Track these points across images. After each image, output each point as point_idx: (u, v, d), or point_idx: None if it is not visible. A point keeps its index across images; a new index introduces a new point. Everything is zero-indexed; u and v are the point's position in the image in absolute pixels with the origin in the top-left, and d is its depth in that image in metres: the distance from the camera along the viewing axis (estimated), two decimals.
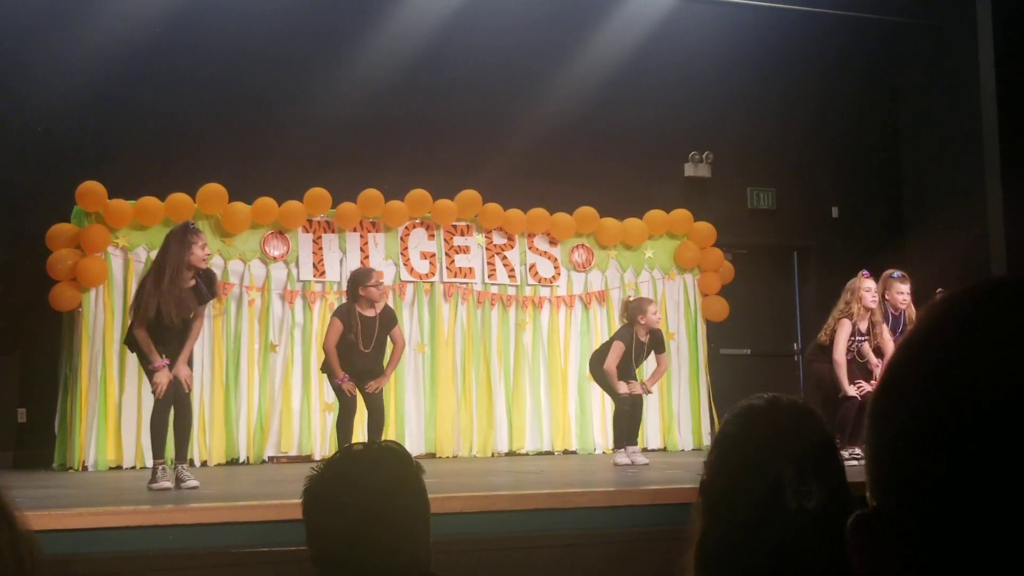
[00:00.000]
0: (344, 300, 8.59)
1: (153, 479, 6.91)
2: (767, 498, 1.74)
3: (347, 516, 2.05)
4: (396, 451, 2.19)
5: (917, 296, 9.23)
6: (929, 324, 0.74)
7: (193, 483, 6.88)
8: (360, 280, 8.21)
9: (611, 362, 8.78)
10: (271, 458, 9.97)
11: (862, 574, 0.71)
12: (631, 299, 9.40)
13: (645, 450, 9.98)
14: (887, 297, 8.55)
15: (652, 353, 9.02)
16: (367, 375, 8.10)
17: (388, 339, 8.30)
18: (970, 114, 11.77)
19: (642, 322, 8.80)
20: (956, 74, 12.26)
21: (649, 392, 9.11)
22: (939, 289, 10.54)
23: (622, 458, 8.60)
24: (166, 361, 7.00)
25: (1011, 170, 11.34)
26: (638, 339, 8.83)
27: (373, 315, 8.13)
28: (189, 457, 9.03)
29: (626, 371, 8.85)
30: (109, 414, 9.49)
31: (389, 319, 8.27)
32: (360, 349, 8.07)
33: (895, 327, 8.53)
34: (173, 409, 7.06)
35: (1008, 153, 11.38)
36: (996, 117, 11.42)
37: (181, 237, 7.13)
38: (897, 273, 8.64)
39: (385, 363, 8.30)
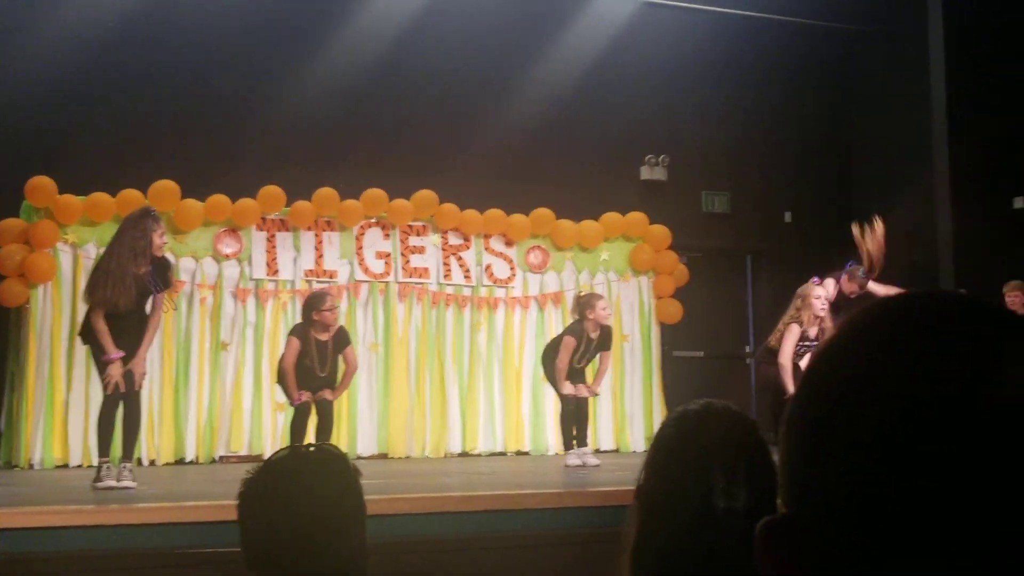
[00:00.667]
0: (299, 319, 8.61)
1: (98, 478, 6.82)
2: (699, 500, 1.75)
3: (282, 518, 2.04)
4: (332, 453, 2.18)
5: (867, 302, 9.30)
6: (845, 335, 0.74)
7: (129, 484, 6.75)
8: (315, 305, 8.17)
9: (562, 359, 8.78)
10: (222, 457, 9.90)
11: None
12: (582, 294, 9.43)
13: (598, 451, 10.02)
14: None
15: (599, 352, 9.01)
16: (319, 390, 8.14)
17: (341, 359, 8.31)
18: (921, 120, 11.94)
19: (591, 317, 8.80)
20: (908, 81, 12.40)
21: (596, 394, 9.12)
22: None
23: (573, 459, 8.61)
24: (121, 353, 6.90)
25: (960, 176, 11.51)
26: (588, 335, 8.82)
27: (326, 339, 8.14)
28: (136, 456, 8.97)
29: (571, 368, 8.86)
30: (56, 411, 9.38)
31: (342, 341, 8.28)
32: (316, 373, 8.09)
33: None
34: (122, 406, 6.99)
35: (957, 159, 11.54)
36: (946, 123, 11.59)
37: (139, 222, 7.04)
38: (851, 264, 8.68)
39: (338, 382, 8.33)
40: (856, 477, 0.68)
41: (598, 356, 9.05)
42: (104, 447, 6.97)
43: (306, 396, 8.03)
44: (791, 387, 8.29)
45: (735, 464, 1.77)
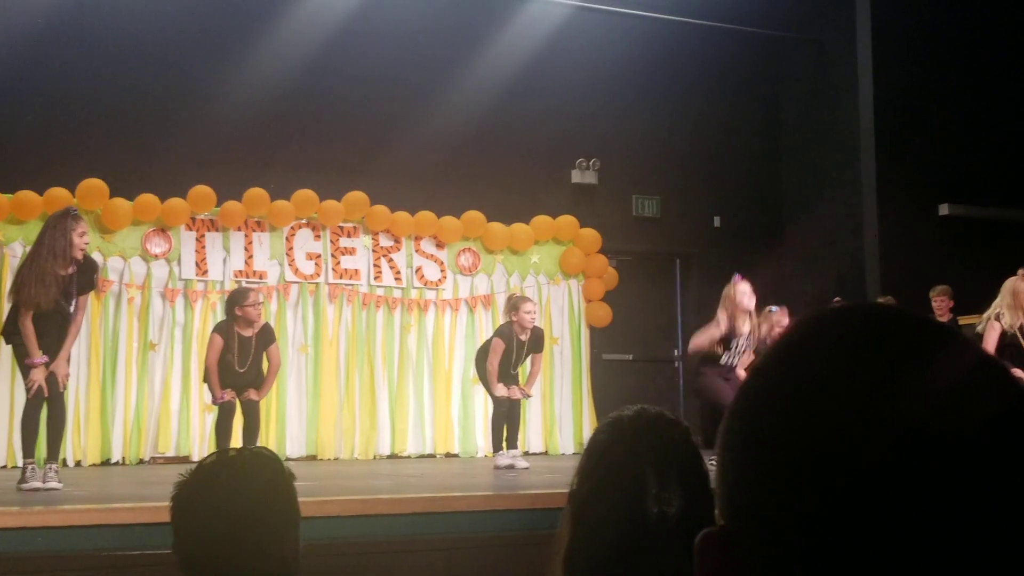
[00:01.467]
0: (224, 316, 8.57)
1: (23, 479, 6.72)
2: (631, 505, 1.77)
3: (216, 520, 2.04)
4: (267, 456, 2.19)
5: (794, 305, 9.47)
6: (781, 349, 0.75)
7: (55, 485, 6.66)
8: (237, 300, 8.15)
9: (492, 361, 8.80)
10: (153, 458, 9.77)
11: None
12: (511, 296, 9.46)
13: (527, 454, 10.03)
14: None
15: (531, 354, 9.04)
16: (244, 390, 8.08)
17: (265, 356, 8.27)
18: (848, 127, 12.14)
19: (515, 319, 8.84)
20: (836, 88, 12.61)
21: (528, 396, 9.14)
22: (836, 299, 10.85)
23: (503, 460, 8.63)
24: (44, 359, 6.80)
25: (886, 182, 11.72)
26: (518, 338, 8.85)
27: (250, 335, 8.10)
28: (62, 457, 8.81)
29: (505, 371, 8.88)
30: None
31: (267, 338, 8.25)
32: (236, 369, 8.04)
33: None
34: (46, 407, 6.88)
35: (884, 165, 11.75)
36: (873, 129, 11.79)
37: (59, 222, 6.94)
38: (775, 308, 8.83)
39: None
40: (791, 494, 0.69)
41: (529, 359, 9.08)
42: (28, 448, 6.86)
43: (229, 395, 7.98)
44: (721, 391, 8.35)
45: (668, 470, 1.79)
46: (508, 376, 8.89)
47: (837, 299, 11.03)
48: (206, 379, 8.32)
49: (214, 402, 8.12)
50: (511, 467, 8.51)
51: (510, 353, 8.83)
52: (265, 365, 8.29)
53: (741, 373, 8.59)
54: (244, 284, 9.99)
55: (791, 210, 13.13)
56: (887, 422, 0.67)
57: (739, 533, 0.72)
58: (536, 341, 8.98)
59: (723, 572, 0.72)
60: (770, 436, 0.71)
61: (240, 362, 8.01)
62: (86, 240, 6.95)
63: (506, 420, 8.81)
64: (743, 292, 8.49)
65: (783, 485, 0.69)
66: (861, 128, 11.97)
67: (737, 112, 13.03)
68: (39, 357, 6.78)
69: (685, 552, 1.73)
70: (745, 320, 8.48)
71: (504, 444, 8.81)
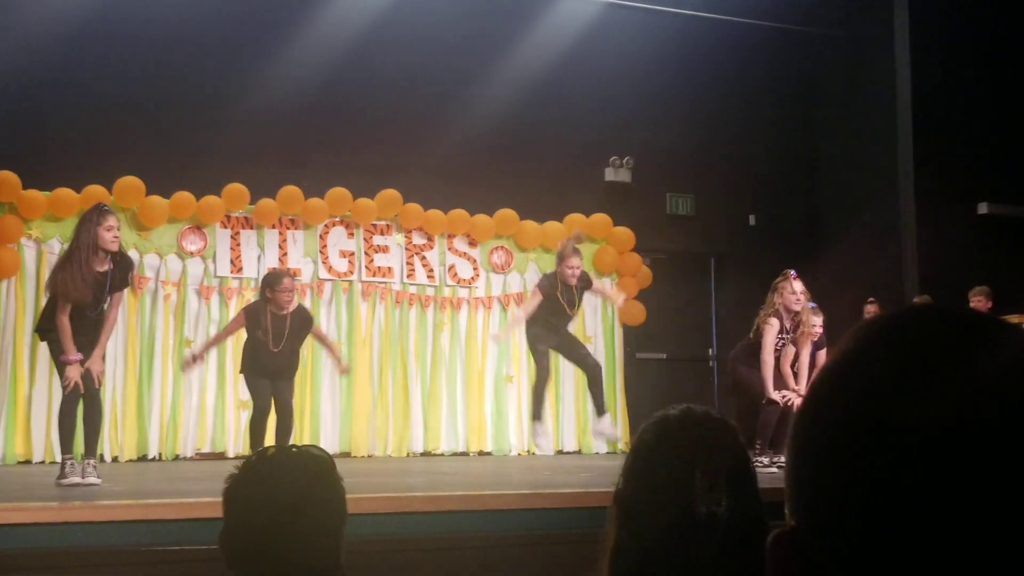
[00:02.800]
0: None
1: (62, 474, 6.78)
2: (678, 506, 1.77)
3: (264, 516, 2.07)
4: (318, 455, 2.21)
5: (832, 305, 9.41)
6: (853, 347, 0.75)
7: (94, 481, 6.72)
8: (270, 283, 8.02)
9: (523, 307, 8.65)
10: (197, 454, 9.84)
11: None
12: (563, 242, 8.98)
13: (560, 453, 10.02)
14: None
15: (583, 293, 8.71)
16: (278, 375, 7.99)
17: (306, 340, 8.22)
18: (886, 124, 12.04)
19: (558, 272, 8.56)
20: (873, 86, 12.51)
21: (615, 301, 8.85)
22: (870, 299, 10.78)
23: (542, 436, 8.60)
24: (79, 356, 6.86)
25: (925, 181, 11.62)
26: (564, 283, 8.52)
27: (285, 314, 7.98)
28: (99, 452, 8.90)
29: (556, 324, 8.58)
30: (18, 407, 9.30)
31: (303, 319, 8.11)
32: (270, 348, 7.92)
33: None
34: (82, 403, 6.94)
35: (922, 164, 11.66)
36: (911, 127, 11.70)
37: (90, 218, 7.00)
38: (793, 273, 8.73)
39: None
40: (859, 494, 0.69)
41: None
42: (66, 444, 6.91)
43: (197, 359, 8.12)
44: (771, 387, 8.31)
45: (716, 469, 1.79)
46: (559, 326, 8.57)
47: (871, 300, 10.97)
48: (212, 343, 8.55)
49: (186, 363, 8.25)
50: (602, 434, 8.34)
51: (554, 303, 8.50)
52: (302, 354, 8.25)
53: (786, 370, 8.56)
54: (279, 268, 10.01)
55: (827, 208, 13.06)
56: (957, 423, 0.68)
57: (809, 532, 0.72)
58: (583, 284, 8.66)
59: (794, 571, 0.72)
60: (838, 436, 0.71)
61: (274, 341, 7.92)
62: (114, 234, 6.93)
63: (546, 380, 8.63)
64: (794, 291, 8.43)
65: (852, 484, 0.70)
66: (899, 126, 11.88)
67: (773, 109, 12.96)
68: (74, 354, 6.83)
69: (733, 552, 1.73)
70: (790, 317, 8.44)
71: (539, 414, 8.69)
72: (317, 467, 2.17)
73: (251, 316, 7.99)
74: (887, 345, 0.74)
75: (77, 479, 6.71)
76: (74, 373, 6.82)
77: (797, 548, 0.73)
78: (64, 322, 6.82)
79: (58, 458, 7.34)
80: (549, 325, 8.54)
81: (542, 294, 8.52)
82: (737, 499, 1.78)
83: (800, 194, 13.04)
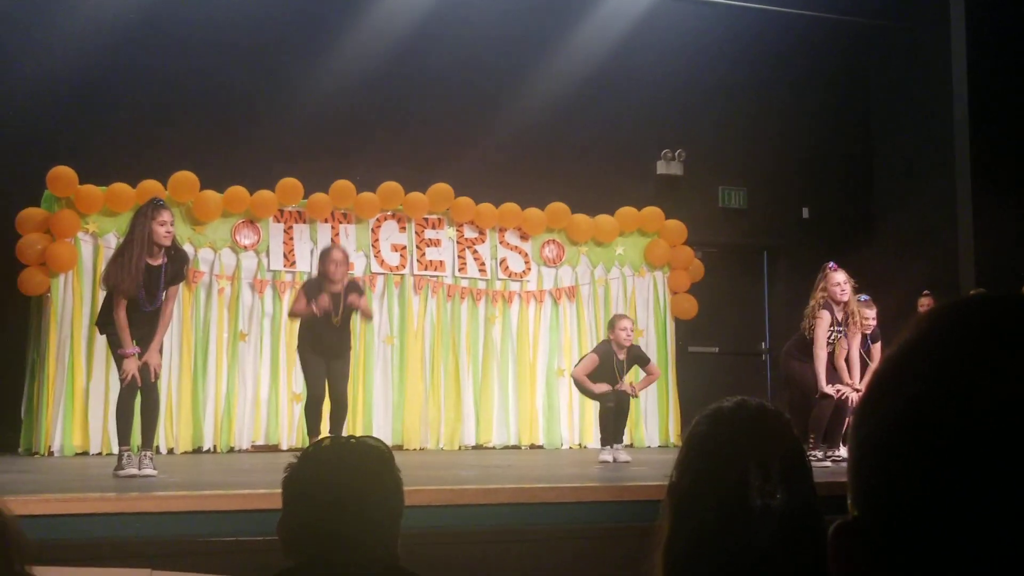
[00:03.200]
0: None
1: (119, 466, 6.87)
2: (733, 498, 1.76)
3: (322, 506, 2.09)
4: (376, 446, 2.23)
5: (886, 298, 9.32)
6: (916, 335, 0.75)
7: (150, 472, 6.81)
8: (321, 256, 8.38)
9: (578, 370, 8.79)
10: (252, 446, 9.94)
11: None
12: (615, 315, 9.31)
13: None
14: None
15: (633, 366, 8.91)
16: (333, 354, 8.09)
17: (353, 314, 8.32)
18: (941, 114, 11.87)
19: (611, 336, 8.79)
20: (928, 75, 12.35)
21: (634, 395, 8.96)
22: (924, 291, 10.66)
23: (605, 455, 8.59)
24: (136, 349, 6.95)
25: (981, 170, 11.45)
26: (616, 356, 8.71)
27: (339, 290, 8.15)
28: (155, 444, 9.01)
29: (603, 378, 8.74)
30: (76, 399, 9.44)
31: (354, 289, 8.33)
32: (328, 322, 8.07)
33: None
34: (139, 396, 7.03)
35: (978, 153, 11.49)
36: (967, 117, 11.52)
37: (144, 212, 7.09)
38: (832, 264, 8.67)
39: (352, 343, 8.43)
40: (928, 483, 0.69)
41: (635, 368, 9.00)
42: (123, 436, 7.01)
43: (324, 301, 7.97)
44: (824, 380, 8.26)
45: (770, 462, 1.77)
46: (609, 380, 8.78)
47: (925, 292, 10.84)
48: (292, 313, 8.51)
49: (309, 308, 8.09)
50: (612, 461, 8.44)
51: (609, 368, 8.70)
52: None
53: (840, 364, 8.50)
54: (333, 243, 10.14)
55: (882, 200, 12.91)
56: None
57: (873, 522, 0.72)
58: (637, 357, 8.87)
59: (857, 562, 0.72)
60: (902, 424, 0.71)
61: (334, 311, 8.07)
62: (167, 229, 6.99)
63: (613, 415, 8.69)
64: (836, 282, 8.38)
65: (916, 473, 0.69)
66: (955, 116, 11.71)
67: (826, 100, 12.84)
68: (131, 348, 6.92)
69: (788, 545, 1.72)
70: (840, 308, 8.38)
71: (611, 440, 8.71)
72: (375, 457, 2.19)
73: (310, 290, 8.14)
74: (952, 333, 0.73)
75: (134, 470, 6.80)
76: (131, 366, 6.91)
77: (860, 538, 0.72)
78: (121, 316, 6.91)
79: (115, 450, 7.44)
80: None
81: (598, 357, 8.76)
82: (792, 492, 1.76)
83: (854, 186, 12.91)
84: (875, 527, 0.71)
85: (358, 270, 10.53)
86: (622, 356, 8.74)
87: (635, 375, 9.16)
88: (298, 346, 8.39)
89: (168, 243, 7.02)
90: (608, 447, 8.65)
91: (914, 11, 12.58)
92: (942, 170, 11.86)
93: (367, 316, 8.64)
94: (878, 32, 12.95)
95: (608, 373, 8.68)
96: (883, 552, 0.71)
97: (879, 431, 0.73)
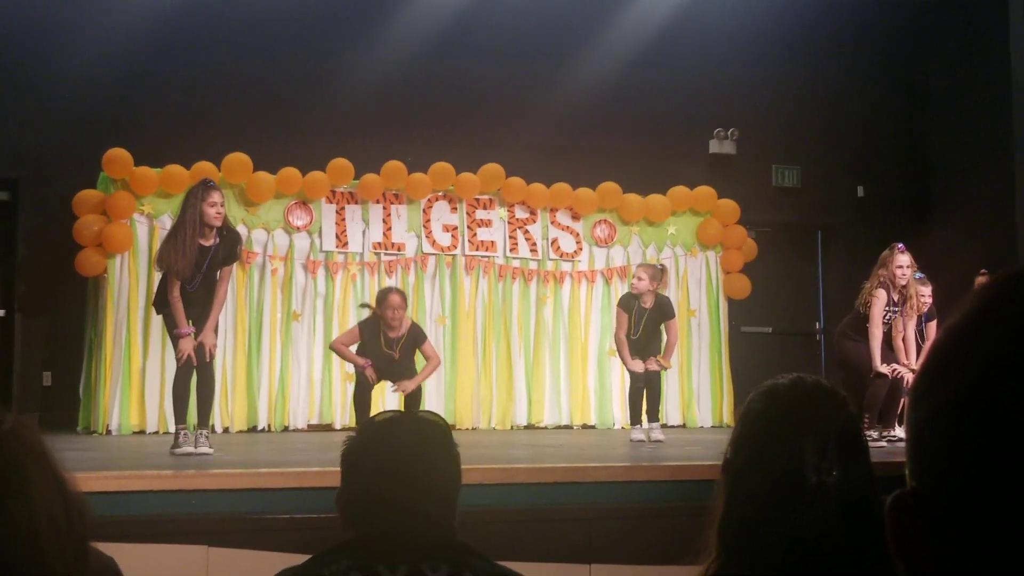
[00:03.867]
0: (367, 292, 8.72)
1: (175, 444, 6.97)
2: (788, 474, 1.75)
3: (382, 475, 2.11)
4: (435, 421, 2.24)
5: (942, 277, 9.20)
6: (974, 307, 0.75)
7: (206, 450, 6.90)
8: (379, 300, 8.09)
9: (618, 333, 8.70)
10: (310, 426, 10.04)
11: (898, 553, 0.73)
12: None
13: (665, 426, 9.97)
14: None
15: (661, 323, 8.78)
16: (396, 377, 8.04)
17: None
18: (999, 88, 11.65)
19: (631, 287, 8.75)
20: (985, 48, 12.12)
21: (666, 367, 8.92)
22: (981, 270, 10.52)
23: (637, 434, 8.58)
24: (191, 329, 7.02)
25: None
26: (640, 306, 8.65)
27: (395, 336, 7.96)
28: (211, 423, 9.15)
29: (632, 342, 8.65)
30: (133, 379, 9.56)
31: (417, 337, 8.11)
32: (392, 355, 7.93)
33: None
34: (195, 376, 7.11)
35: None
36: None
37: (194, 193, 7.15)
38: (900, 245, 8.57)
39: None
40: (982, 455, 0.68)
41: (663, 328, 8.88)
42: (180, 415, 7.10)
43: (371, 372, 7.86)
44: (879, 360, 8.19)
45: (826, 439, 1.76)
46: (638, 348, 8.72)
47: (982, 271, 10.69)
48: (336, 351, 8.36)
49: (357, 369, 8.05)
50: (646, 440, 8.45)
51: (631, 322, 8.65)
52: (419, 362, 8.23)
53: (896, 344, 8.43)
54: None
55: (939, 177, 12.73)
56: None
57: (932, 494, 0.71)
58: (660, 309, 8.72)
59: (915, 532, 0.72)
60: (962, 398, 0.70)
61: (387, 359, 7.92)
62: (217, 210, 7.02)
63: (642, 393, 8.69)
64: (899, 264, 8.29)
65: (975, 445, 0.69)
66: (1013, 87, 11.49)
67: (880, 76, 12.66)
68: (186, 327, 7.00)
69: (844, 523, 1.70)
70: (898, 289, 8.30)
71: (643, 417, 8.71)
72: (434, 430, 2.20)
73: (365, 331, 8.04)
74: (1011, 303, 0.72)
75: (190, 448, 6.89)
76: (187, 346, 6.98)
77: (918, 508, 0.72)
78: (176, 296, 6.98)
79: (172, 428, 7.54)
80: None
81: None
82: (848, 469, 1.75)
83: (910, 164, 12.73)
84: (933, 498, 0.71)
85: (410, 251, 10.57)
86: (646, 305, 8.62)
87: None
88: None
89: (219, 223, 7.06)
90: (638, 425, 8.61)
91: None
92: (1000, 146, 11.66)
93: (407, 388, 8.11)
94: (933, 5, 12.74)
95: (631, 327, 8.62)
96: (941, 522, 0.70)
97: (939, 403, 0.72)
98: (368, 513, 2.10)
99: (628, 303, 8.72)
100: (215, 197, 7.07)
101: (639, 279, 8.68)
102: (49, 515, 0.73)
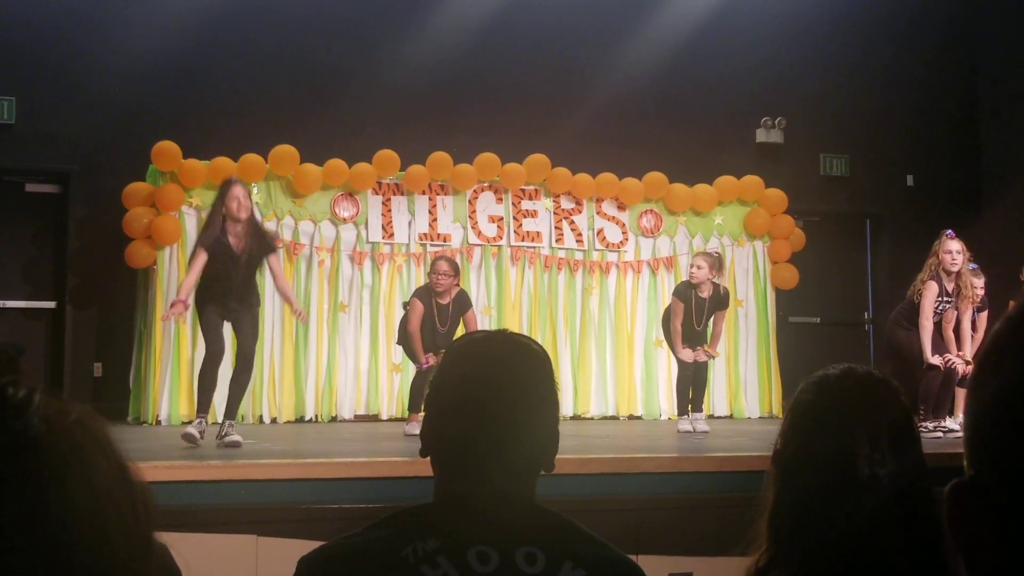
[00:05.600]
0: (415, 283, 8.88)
1: (223, 432, 7.02)
2: (839, 465, 1.74)
3: (459, 403, 1.83)
4: (536, 349, 1.93)
5: (994, 267, 9.09)
6: None
7: (235, 439, 6.95)
8: (430, 266, 8.54)
9: (675, 323, 8.69)
10: (356, 416, 10.11)
11: (956, 539, 0.72)
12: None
13: (712, 417, 9.94)
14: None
15: (715, 312, 8.77)
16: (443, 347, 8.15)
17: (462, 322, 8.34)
18: None
19: (690, 276, 8.77)
20: None
21: (713, 356, 8.91)
22: None
23: (684, 425, 8.57)
24: (183, 299, 7.21)
25: None
26: (697, 295, 8.65)
27: (446, 302, 8.28)
28: (259, 414, 9.29)
29: (688, 331, 8.70)
30: (182, 369, 9.65)
31: (463, 304, 8.40)
32: (438, 329, 8.21)
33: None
34: (236, 364, 7.22)
35: None
36: None
37: (220, 190, 7.42)
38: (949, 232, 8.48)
39: None
40: None
41: (712, 318, 8.86)
42: (231, 410, 7.20)
43: (433, 360, 7.99)
44: (930, 351, 8.12)
45: (879, 431, 1.75)
46: (692, 337, 8.73)
47: None
48: (402, 343, 8.54)
49: (419, 367, 8.26)
50: (692, 431, 8.44)
51: (690, 312, 8.68)
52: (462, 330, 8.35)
53: (948, 334, 8.34)
54: (431, 248, 10.30)
55: (991, 166, 12.55)
56: None
57: (989, 482, 0.71)
58: (718, 299, 8.76)
59: (973, 520, 0.72)
60: (1021, 384, 0.69)
61: (440, 323, 8.23)
62: (238, 204, 7.18)
63: (690, 382, 8.69)
64: (949, 251, 8.20)
65: None
66: None
67: (931, 63, 12.50)
68: (181, 296, 7.25)
69: (896, 514, 1.69)
70: (951, 279, 8.21)
71: (689, 407, 8.71)
72: (534, 356, 1.91)
73: (422, 295, 8.33)
74: None
75: (236, 437, 6.96)
76: (175, 311, 7.23)
77: (977, 496, 0.72)
78: (194, 263, 7.21)
79: (219, 418, 7.61)
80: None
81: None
82: (900, 461, 1.74)
83: (961, 153, 12.57)
84: (993, 485, 0.71)
85: (455, 242, 10.58)
86: (704, 295, 8.64)
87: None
88: (399, 339, 8.67)
89: (243, 216, 7.19)
90: (686, 416, 8.61)
91: None
92: None
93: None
94: None
95: (688, 317, 8.65)
96: (1001, 511, 0.70)
97: (998, 390, 0.72)
98: (442, 439, 1.83)
99: (685, 293, 8.71)
100: (235, 191, 7.26)
101: (698, 267, 8.67)
102: (115, 503, 0.74)
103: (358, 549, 1.70)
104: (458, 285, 8.49)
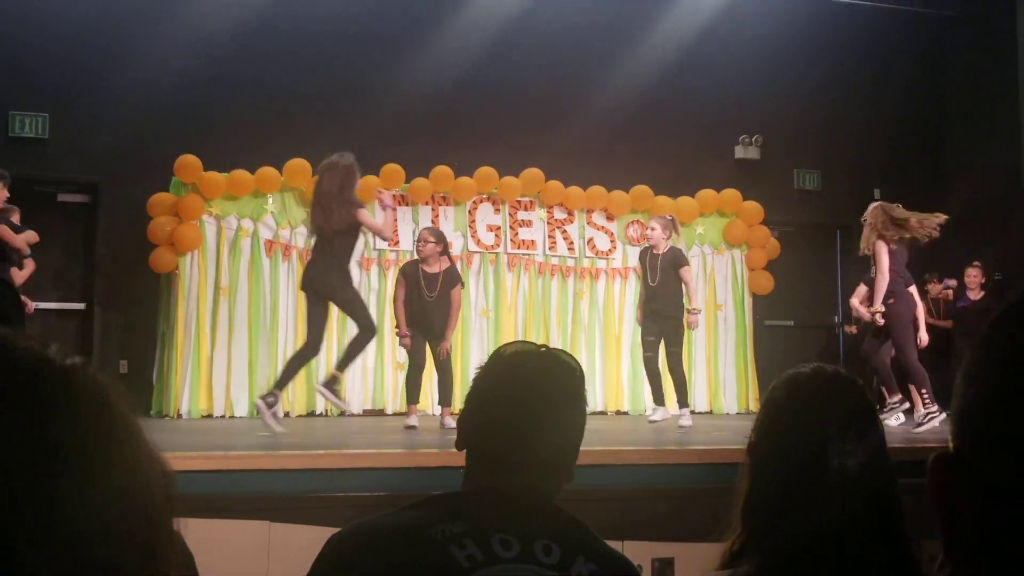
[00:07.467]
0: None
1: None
2: (810, 457, 1.74)
3: (498, 404, 1.85)
4: (560, 358, 1.93)
5: (959, 277, 9.06)
6: None
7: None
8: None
9: (641, 290, 8.63)
10: (364, 411, 10.09)
11: (938, 506, 0.72)
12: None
13: (693, 413, 9.91)
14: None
15: (674, 271, 8.41)
16: (430, 331, 8.13)
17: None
18: (1010, 100, 11.53)
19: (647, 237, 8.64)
20: (997, 64, 11.99)
21: (696, 311, 8.53)
22: (974, 262, 10.38)
23: (657, 416, 8.59)
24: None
25: None
26: (652, 254, 8.41)
27: (436, 271, 8.19)
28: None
29: (646, 288, 8.44)
30: (202, 367, 9.64)
31: (451, 279, 8.27)
32: (423, 298, 8.13)
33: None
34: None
35: None
36: None
37: None
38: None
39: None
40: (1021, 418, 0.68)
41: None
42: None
43: (406, 342, 8.08)
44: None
45: (847, 424, 1.75)
46: (650, 293, 8.38)
47: (975, 263, 10.61)
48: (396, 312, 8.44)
49: (400, 337, 8.24)
50: (659, 421, 8.41)
51: (645, 270, 8.44)
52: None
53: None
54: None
55: (953, 181, 12.57)
56: None
57: (970, 455, 0.71)
58: (672, 256, 8.39)
59: (953, 491, 0.72)
60: (1013, 366, 0.70)
61: (428, 290, 8.14)
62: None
63: (656, 369, 8.56)
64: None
65: (1016, 408, 0.68)
66: (1021, 102, 11.35)
67: (897, 86, 12.54)
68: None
69: (864, 503, 1.68)
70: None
71: (663, 399, 8.61)
72: (567, 369, 1.90)
73: (406, 272, 8.29)
74: None
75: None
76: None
77: (957, 469, 0.72)
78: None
79: (237, 413, 7.60)
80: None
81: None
82: (868, 454, 1.73)
83: (924, 168, 12.60)
84: (977, 459, 0.70)
85: (456, 249, 10.57)
86: (658, 252, 8.40)
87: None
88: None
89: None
90: (661, 407, 8.56)
91: (983, 1, 12.20)
92: (1013, 152, 11.51)
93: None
94: (948, 22, 12.59)
95: (650, 272, 8.41)
96: (982, 485, 0.70)
97: (989, 370, 0.72)
98: (480, 438, 1.85)
99: (642, 255, 8.60)
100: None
101: (652, 229, 8.54)
102: (149, 482, 0.73)
103: (387, 527, 1.71)
104: (445, 253, 8.30)
